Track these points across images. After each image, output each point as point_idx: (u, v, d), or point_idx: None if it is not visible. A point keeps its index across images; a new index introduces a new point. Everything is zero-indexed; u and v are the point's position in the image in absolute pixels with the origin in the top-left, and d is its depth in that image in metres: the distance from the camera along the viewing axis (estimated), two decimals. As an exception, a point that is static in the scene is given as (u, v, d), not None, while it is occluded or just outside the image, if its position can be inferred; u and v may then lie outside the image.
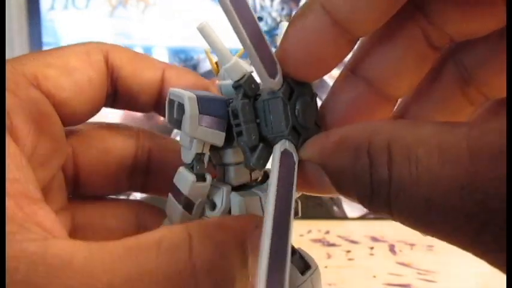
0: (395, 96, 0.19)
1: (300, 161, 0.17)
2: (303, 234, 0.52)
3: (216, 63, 0.21)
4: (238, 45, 0.18)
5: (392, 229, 0.54)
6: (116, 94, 0.23)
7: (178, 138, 0.21)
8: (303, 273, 0.23)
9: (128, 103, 0.23)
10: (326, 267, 0.43)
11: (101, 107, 0.23)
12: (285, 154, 0.17)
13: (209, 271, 0.16)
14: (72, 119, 0.22)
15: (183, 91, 0.19)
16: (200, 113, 0.18)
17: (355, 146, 0.15)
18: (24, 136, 0.18)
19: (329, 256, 0.45)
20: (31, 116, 0.19)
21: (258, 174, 0.22)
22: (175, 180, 0.20)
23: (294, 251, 0.23)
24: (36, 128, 0.19)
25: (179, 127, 0.19)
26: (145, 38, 0.56)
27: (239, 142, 0.18)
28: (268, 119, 0.18)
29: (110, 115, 0.27)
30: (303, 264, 0.23)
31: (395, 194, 0.14)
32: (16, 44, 0.62)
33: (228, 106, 0.19)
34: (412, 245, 0.49)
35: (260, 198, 0.21)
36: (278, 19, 0.56)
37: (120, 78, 0.23)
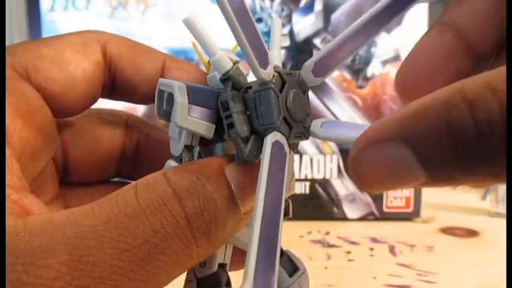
0: (480, 51, 0.18)
1: (363, 147, 0.14)
2: (303, 235, 0.52)
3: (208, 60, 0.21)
4: (231, 45, 0.18)
5: (392, 230, 0.53)
6: (114, 85, 0.23)
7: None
8: (290, 275, 0.23)
9: (126, 95, 0.23)
10: (326, 268, 0.43)
11: (97, 99, 0.23)
12: (276, 145, 0.17)
13: (189, 191, 0.16)
14: (64, 111, 0.21)
15: (173, 81, 0.19)
16: (190, 103, 0.18)
17: (445, 100, 0.12)
18: (12, 130, 0.18)
19: (329, 257, 0.45)
20: (19, 110, 0.19)
21: None
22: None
23: (282, 253, 0.23)
24: (25, 122, 0.19)
25: (169, 119, 0.19)
26: (145, 39, 0.56)
27: (231, 134, 0.18)
28: (259, 110, 0.18)
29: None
30: (291, 266, 0.23)
31: None
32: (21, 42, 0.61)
33: (218, 98, 0.18)
34: (412, 246, 0.48)
35: None
36: (278, 20, 0.56)
37: (118, 69, 0.22)
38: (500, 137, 0.12)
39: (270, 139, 0.17)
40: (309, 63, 0.19)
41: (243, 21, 0.16)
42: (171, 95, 0.18)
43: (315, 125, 0.19)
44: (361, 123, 0.56)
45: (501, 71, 0.12)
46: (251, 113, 0.18)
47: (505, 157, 0.12)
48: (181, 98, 0.18)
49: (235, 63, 0.18)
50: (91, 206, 0.16)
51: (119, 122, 0.24)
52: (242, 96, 0.18)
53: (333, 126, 0.19)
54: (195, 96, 0.18)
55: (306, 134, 0.19)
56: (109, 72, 0.22)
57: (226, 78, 0.18)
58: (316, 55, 0.19)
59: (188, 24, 0.18)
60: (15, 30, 0.61)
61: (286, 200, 0.23)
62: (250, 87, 0.18)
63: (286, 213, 0.23)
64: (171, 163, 0.20)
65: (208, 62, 0.21)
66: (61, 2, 0.55)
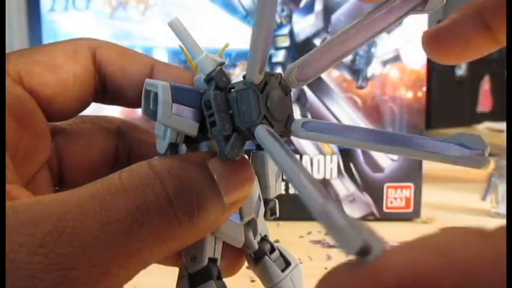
0: (497, 32, 0.20)
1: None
2: (303, 235, 0.52)
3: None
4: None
5: (392, 230, 0.53)
6: (105, 90, 0.23)
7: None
8: (283, 270, 0.23)
9: (117, 99, 0.24)
10: (326, 268, 0.43)
11: (89, 104, 0.23)
12: (269, 131, 0.18)
13: (171, 173, 0.17)
14: (57, 115, 0.22)
15: (157, 81, 0.19)
16: (173, 101, 0.19)
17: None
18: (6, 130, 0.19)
19: (329, 257, 0.45)
20: (13, 112, 0.19)
21: None
22: None
23: (273, 248, 0.24)
24: (18, 123, 0.19)
25: (155, 118, 0.19)
26: (145, 39, 0.56)
27: (213, 132, 0.19)
28: (240, 109, 0.18)
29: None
30: (283, 261, 0.24)
31: None
32: (16, 45, 0.62)
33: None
34: (412, 246, 0.48)
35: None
36: (278, 20, 0.56)
37: (108, 75, 0.23)
38: None
39: (261, 127, 0.18)
40: (292, 66, 0.20)
41: (269, 27, 0.17)
42: (156, 95, 0.19)
43: (296, 125, 0.19)
44: (361, 123, 0.57)
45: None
46: (233, 112, 0.18)
47: None
48: (164, 97, 0.18)
49: (219, 64, 0.19)
50: (77, 188, 0.17)
51: (112, 127, 0.25)
52: (225, 96, 0.19)
53: (314, 126, 0.19)
54: (179, 95, 0.19)
55: (287, 132, 0.19)
56: (99, 77, 0.23)
57: (209, 78, 0.19)
58: (299, 60, 0.20)
59: (173, 26, 0.19)
60: (15, 31, 0.61)
61: (272, 200, 0.23)
62: (233, 88, 0.19)
63: (273, 213, 0.23)
64: None
65: (195, 65, 0.21)
66: (61, 2, 0.55)
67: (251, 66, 0.18)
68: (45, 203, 0.16)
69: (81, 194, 0.17)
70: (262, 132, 0.18)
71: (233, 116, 0.18)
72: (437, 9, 0.19)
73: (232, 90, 0.19)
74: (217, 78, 0.19)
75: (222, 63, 0.19)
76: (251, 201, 0.22)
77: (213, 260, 0.21)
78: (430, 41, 0.22)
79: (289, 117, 0.19)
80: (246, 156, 0.22)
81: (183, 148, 0.21)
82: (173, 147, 0.20)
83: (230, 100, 0.19)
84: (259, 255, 0.23)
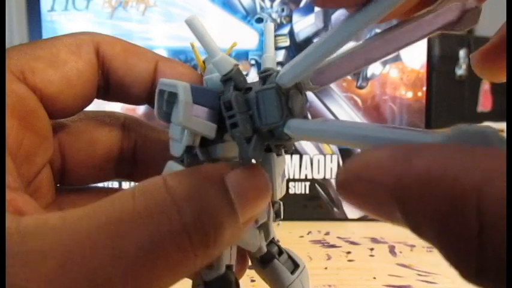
0: None
1: (352, 179, 0.13)
2: (303, 235, 0.52)
3: (204, 61, 0.21)
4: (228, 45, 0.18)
5: (392, 230, 0.53)
6: (108, 86, 0.22)
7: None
8: (292, 272, 0.23)
9: (120, 95, 0.23)
10: (326, 268, 0.43)
11: (92, 100, 0.22)
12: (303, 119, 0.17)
13: (189, 199, 0.16)
14: (61, 112, 0.21)
15: (175, 80, 0.18)
16: (193, 102, 0.18)
17: (453, 195, 0.11)
18: (7, 131, 0.18)
19: (329, 257, 0.45)
20: (15, 112, 0.19)
21: None
22: (164, 174, 0.20)
23: (282, 251, 0.23)
24: (21, 124, 0.19)
25: (168, 119, 0.19)
26: (145, 39, 0.56)
27: (234, 134, 0.18)
28: (261, 109, 0.18)
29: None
30: (292, 263, 0.23)
31: None
32: (16, 44, 0.61)
33: (219, 99, 0.19)
34: (412, 246, 0.48)
35: None
36: (278, 20, 0.56)
37: (111, 70, 0.22)
38: (492, 245, 0.10)
39: (294, 120, 0.17)
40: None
41: (341, 45, 0.16)
42: (172, 95, 0.18)
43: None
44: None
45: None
46: (253, 112, 0.18)
47: (495, 266, 0.10)
48: (185, 98, 0.18)
49: (235, 65, 0.19)
50: (87, 209, 0.16)
51: (116, 123, 0.24)
52: (243, 96, 0.18)
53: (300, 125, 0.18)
54: (199, 96, 0.18)
55: None
56: (102, 72, 0.22)
57: (227, 78, 0.18)
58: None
59: (190, 24, 0.18)
60: (15, 30, 0.61)
61: (277, 202, 0.23)
62: (250, 88, 0.18)
63: (278, 215, 0.23)
64: (173, 165, 0.19)
65: (204, 63, 0.21)
66: (61, 2, 0.55)
67: (291, 70, 0.17)
68: (53, 228, 0.15)
69: (91, 219, 0.15)
70: (297, 122, 0.17)
71: (252, 117, 0.18)
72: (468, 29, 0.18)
73: (248, 90, 0.18)
74: (236, 79, 0.18)
75: (236, 64, 0.19)
76: (269, 203, 0.22)
77: (229, 267, 0.21)
78: (479, 61, 0.20)
79: (305, 118, 0.19)
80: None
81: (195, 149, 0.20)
82: (189, 150, 0.19)
83: (249, 101, 0.18)
84: (268, 258, 0.23)
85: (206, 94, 0.19)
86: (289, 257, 0.24)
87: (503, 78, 0.20)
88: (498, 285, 0.10)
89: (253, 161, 0.21)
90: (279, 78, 0.18)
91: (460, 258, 0.11)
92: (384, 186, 0.12)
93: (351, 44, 0.18)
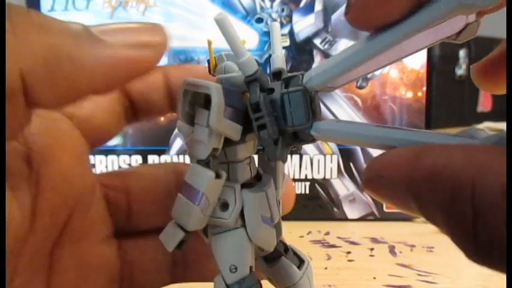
0: None
1: (375, 176, 0.16)
2: (303, 235, 0.52)
3: (215, 58, 0.21)
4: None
5: (393, 230, 0.53)
6: (133, 105, 0.23)
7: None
8: (299, 267, 0.23)
9: (146, 110, 0.24)
10: (326, 268, 0.43)
11: (123, 121, 0.23)
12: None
13: None
14: (97, 137, 0.22)
15: (205, 81, 0.18)
16: (225, 104, 0.18)
17: (454, 186, 0.12)
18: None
19: (329, 257, 0.45)
20: (50, 134, 0.20)
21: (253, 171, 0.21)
22: (187, 178, 0.19)
23: (287, 247, 0.23)
24: (56, 146, 0.20)
25: (190, 121, 0.18)
26: (145, 39, 0.56)
27: (262, 136, 0.18)
28: (288, 111, 0.18)
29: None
30: (298, 259, 0.23)
31: None
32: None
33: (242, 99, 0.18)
34: (412, 246, 0.48)
35: (266, 193, 0.21)
36: (278, 20, 0.56)
37: (130, 88, 0.23)
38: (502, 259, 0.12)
39: (320, 122, 0.18)
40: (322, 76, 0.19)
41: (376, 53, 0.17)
42: (196, 96, 0.18)
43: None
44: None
45: None
46: (277, 114, 0.18)
47: (495, 244, 0.12)
48: (219, 100, 0.18)
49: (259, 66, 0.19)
50: None
51: (169, 165, 0.25)
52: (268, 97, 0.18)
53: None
54: (229, 96, 0.18)
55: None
56: (124, 93, 0.23)
57: (253, 79, 0.18)
58: (332, 72, 0.19)
59: (220, 22, 0.18)
60: (15, 31, 0.61)
61: (278, 201, 0.23)
62: (272, 89, 0.18)
63: None
64: (198, 167, 0.19)
65: (215, 63, 0.20)
66: (61, 2, 0.55)
67: (322, 75, 0.17)
68: None
69: None
70: (324, 124, 0.18)
71: (277, 119, 0.18)
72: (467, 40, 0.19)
73: (270, 91, 0.18)
74: (261, 80, 0.18)
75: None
76: (277, 202, 0.22)
77: (250, 268, 0.21)
78: (479, 72, 0.21)
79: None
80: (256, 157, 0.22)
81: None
82: (214, 153, 0.19)
83: (275, 102, 0.18)
84: (276, 255, 0.23)
85: (233, 95, 0.18)
86: (294, 253, 0.24)
87: (502, 91, 0.20)
88: (494, 262, 0.12)
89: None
90: (307, 81, 0.18)
91: (462, 240, 0.13)
92: (399, 182, 0.14)
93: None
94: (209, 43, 0.20)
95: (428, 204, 0.13)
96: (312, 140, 0.18)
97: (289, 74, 0.19)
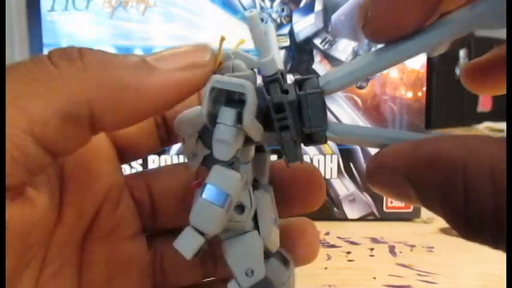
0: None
1: (378, 166, 0.17)
2: (303, 235, 0.52)
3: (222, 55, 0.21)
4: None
5: (393, 230, 0.53)
6: (166, 123, 0.24)
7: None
8: (286, 266, 0.23)
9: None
10: (326, 268, 0.43)
11: (157, 140, 0.24)
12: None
13: None
14: (134, 151, 0.24)
15: (239, 79, 0.18)
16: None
17: (447, 168, 0.14)
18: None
19: (329, 257, 0.45)
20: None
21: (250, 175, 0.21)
22: (211, 180, 0.18)
23: None
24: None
25: (213, 120, 0.18)
26: (145, 39, 0.56)
27: (284, 137, 0.18)
28: (305, 113, 0.18)
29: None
30: (283, 257, 0.23)
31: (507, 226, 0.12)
32: (16, 44, 0.62)
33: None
34: (412, 246, 0.48)
35: (271, 194, 0.21)
36: (278, 20, 0.56)
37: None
38: (493, 233, 0.13)
39: (336, 123, 0.19)
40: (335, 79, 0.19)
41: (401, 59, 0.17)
42: (220, 93, 0.18)
43: None
44: (360, 123, 0.56)
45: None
46: (294, 115, 0.18)
47: (491, 230, 0.13)
48: (254, 98, 0.17)
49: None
50: None
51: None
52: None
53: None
54: (258, 95, 0.18)
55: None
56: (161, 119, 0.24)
57: (274, 79, 0.18)
58: (343, 75, 0.19)
59: (251, 20, 0.17)
60: (15, 30, 0.61)
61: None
62: (286, 91, 0.18)
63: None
64: (221, 168, 0.18)
65: (221, 61, 0.20)
66: (61, 2, 0.55)
67: (341, 80, 0.18)
68: None
69: None
70: (340, 126, 0.18)
71: (294, 120, 0.18)
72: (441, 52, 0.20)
73: (285, 93, 0.18)
74: (282, 81, 0.18)
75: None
76: (274, 204, 0.22)
77: None
78: (467, 75, 0.22)
79: None
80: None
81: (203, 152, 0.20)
82: (237, 154, 0.18)
83: (291, 104, 0.18)
84: (266, 256, 0.22)
85: (258, 94, 0.18)
86: (279, 252, 0.24)
87: (487, 92, 0.22)
88: (484, 237, 0.13)
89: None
90: (325, 84, 0.18)
91: (456, 218, 0.14)
92: (399, 169, 0.15)
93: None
94: (222, 39, 0.19)
95: (426, 189, 0.14)
96: (324, 141, 0.19)
97: (302, 77, 0.19)
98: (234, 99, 0.18)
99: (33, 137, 0.16)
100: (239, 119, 0.17)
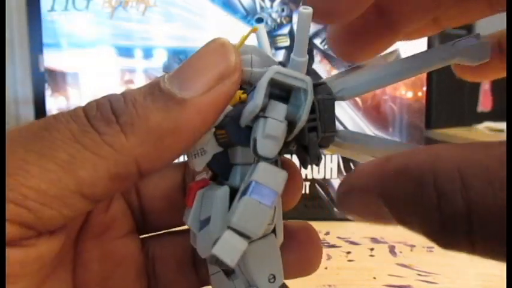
0: (400, 22, 0.21)
1: (347, 190, 0.16)
2: (303, 235, 0.52)
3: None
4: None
5: (393, 230, 0.53)
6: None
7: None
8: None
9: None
10: (326, 268, 0.43)
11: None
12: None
13: None
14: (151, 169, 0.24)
15: (299, 73, 0.17)
16: None
17: (417, 176, 0.13)
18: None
19: (329, 257, 0.45)
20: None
21: None
22: (260, 178, 0.17)
23: None
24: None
25: (261, 113, 0.17)
26: (145, 39, 0.56)
27: (312, 138, 0.18)
28: (323, 117, 0.18)
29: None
30: None
31: (481, 224, 0.12)
32: (16, 44, 0.62)
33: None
34: (412, 246, 0.48)
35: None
36: (278, 20, 0.56)
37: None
38: (467, 234, 0.13)
39: (345, 130, 0.19)
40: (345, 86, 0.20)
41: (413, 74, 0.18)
42: (273, 87, 0.17)
43: None
44: (361, 123, 0.56)
45: (466, 154, 0.13)
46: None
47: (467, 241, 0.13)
48: (312, 95, 0.17)
49: None
50: None
51: (178, 164, 0.25)
52: None
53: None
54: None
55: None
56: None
57: (322, 83, 0.19)
58: (356, 84, 0.19)
59: (304, 16, 0.17)
60: (15, 30, 0.61)
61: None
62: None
63: None
64: (268, 166, 0.17)
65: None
66: (61, 2, 0.55)
67: (355, 89, 0.18)
68: None
69: None
70: (348, 132, 0.18)
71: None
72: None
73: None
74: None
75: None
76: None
77: None
78: (334, 42, 0.22)
79: None
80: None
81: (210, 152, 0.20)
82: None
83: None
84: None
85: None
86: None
87: (355, 59, 0.22)
88: (460, 242, 0.13)
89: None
90: (339, 91, 0.18)
91: (430, 227, 0.14)
92: (370, 187, 0.15)
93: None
94: (255, 30, 0.19)
95: (398, 202, 0.14)
96: (327, 146, 0.19)
97: (315, 82, 0.19)
98: (274, 94, 0.18)
99: (81, 196, 0.17)
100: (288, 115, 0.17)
